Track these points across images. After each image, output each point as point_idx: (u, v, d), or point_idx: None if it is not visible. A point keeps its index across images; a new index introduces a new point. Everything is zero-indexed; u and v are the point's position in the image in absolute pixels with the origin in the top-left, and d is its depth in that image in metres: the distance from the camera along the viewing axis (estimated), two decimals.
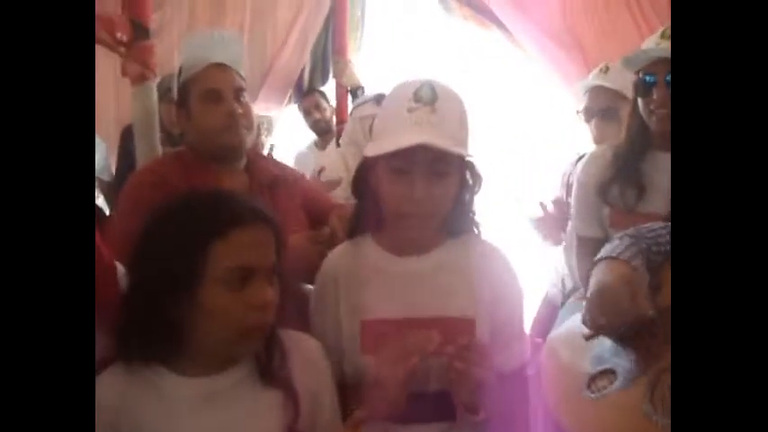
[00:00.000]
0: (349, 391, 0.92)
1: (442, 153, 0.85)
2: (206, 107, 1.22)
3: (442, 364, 0.89)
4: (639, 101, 1.35)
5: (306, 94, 2.81)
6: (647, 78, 1.32)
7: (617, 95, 1.73)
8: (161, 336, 0.72)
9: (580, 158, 1.86)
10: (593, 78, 1.79)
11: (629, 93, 1.65)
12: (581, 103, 1.81)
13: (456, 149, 0.85)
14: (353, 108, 1.95)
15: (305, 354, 0.84)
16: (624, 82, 1.70)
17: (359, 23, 2.92)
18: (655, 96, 1.29)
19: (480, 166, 0.97)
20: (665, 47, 1.28)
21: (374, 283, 0.95)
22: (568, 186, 1.87)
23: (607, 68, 1.77)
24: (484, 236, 1.03)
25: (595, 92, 1.77)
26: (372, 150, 0.90)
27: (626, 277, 0.84)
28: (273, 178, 1.34)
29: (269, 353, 0.78)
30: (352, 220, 1.04)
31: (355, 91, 2.39)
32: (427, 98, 0.85)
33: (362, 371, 0.90)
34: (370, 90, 2.02)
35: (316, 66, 2.97)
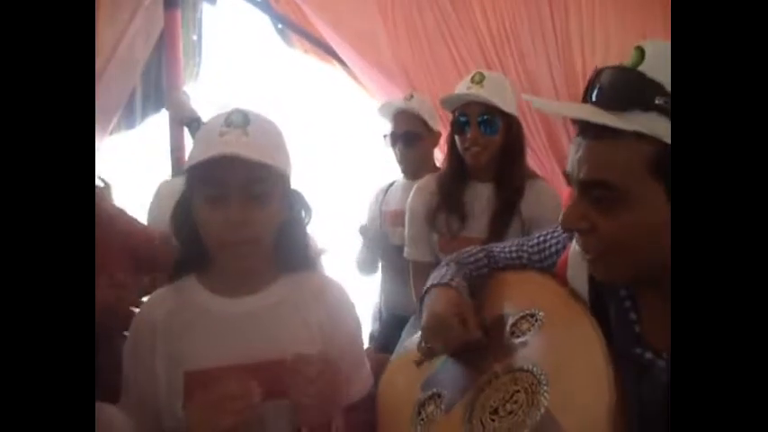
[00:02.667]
0: None
1: (255, 171, 0.83)
2: None
3: (279, 409, 0.86)
4: (456, 138, 1.50)
5: None
6: (461, 119, 1.47)
7: (419, 121, 1.83)
8: None
9: (390, 185, 2.00)
10: (397, 103, 1.87)
11: (431, 120, 1.83)
12: (387, 128, 1.88)
13: (268, 161, 0.83)
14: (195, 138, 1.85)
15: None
16: (427, 109, 1.84)
17: (195, 50, 2.80)
18: (468, 135, 1.45)
19: (310, 198, 0.96)
20: (475, 91, 1.45)
21: (199, 328, 0.89)
22: (381, 214, 1.97)
23: (411, 96, 1.86)
24: (321, 270, 1.03)
25: (400, 117, 1.83)
26: (182, 169, 0.86)
27: (454, 301, 0.90)
28: None
29: None
30: (175, 261, 0.96)
31: (191, 122, 2.25)
32: (238, 122, 0.84)
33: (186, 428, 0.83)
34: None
35: (148, 93, 2.76)
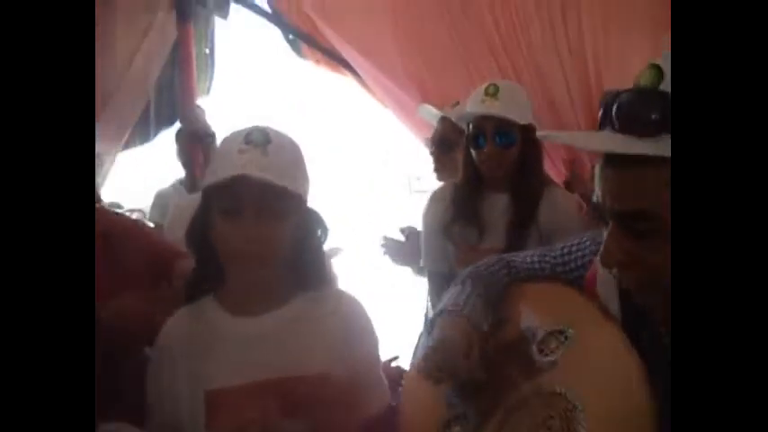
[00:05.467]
0: None
1: (271, 189, 0.83)
2: None
3: (294, 429, 0.85)
4: (472, 151, 1.48)
5: None
6: (476, 132, 1.46)
7: (457, 129, 1.77)
8: None
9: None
10: (442, 110, 1.88)
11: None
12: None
13: (284, 183, 0.84)
14: (214, 154, 1.84)
15: None
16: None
17: (207, 63, 2.82)
18: (485, 149, 1.44)
19: (325, 216, 0.96)
20: (489, 105, 1.43)
21: (218, 349, 0.89)
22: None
23: (457, 103, 1.84)
24: (340, 287, 1.03)
25: (441, 123, 1.84)
26: (200, 187, 0.88)
27: (462, 336, 0.86)
28: (100, 232, 1.20)
29: None
30: (192, 279, 0.96)
31: (205, 137, 2.24)
32: (258, 141, 0.85)
33: None
34: (222, 135, 1.91)
35: (161, 106, 2.77)
